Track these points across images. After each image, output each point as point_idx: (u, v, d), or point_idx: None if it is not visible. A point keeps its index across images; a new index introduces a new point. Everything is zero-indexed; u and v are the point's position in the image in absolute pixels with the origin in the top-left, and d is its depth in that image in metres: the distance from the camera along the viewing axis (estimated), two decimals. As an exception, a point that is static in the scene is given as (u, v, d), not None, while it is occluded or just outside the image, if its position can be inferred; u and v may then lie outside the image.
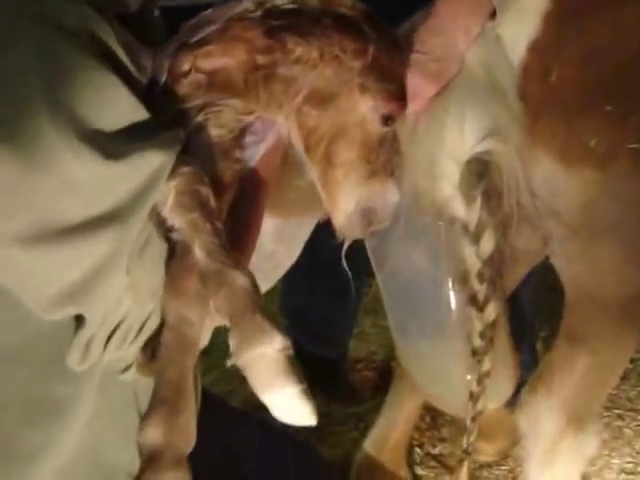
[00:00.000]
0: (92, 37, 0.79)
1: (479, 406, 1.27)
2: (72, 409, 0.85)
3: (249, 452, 1.13)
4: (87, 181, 0.74)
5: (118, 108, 0.78)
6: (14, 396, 0.83)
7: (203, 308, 0.78)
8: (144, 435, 0.73)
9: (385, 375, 1.79)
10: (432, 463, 1.90)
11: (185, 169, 0.79)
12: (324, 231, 1.00)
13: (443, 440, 1.94)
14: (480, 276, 1.18)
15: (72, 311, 0.78)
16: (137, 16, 0.90)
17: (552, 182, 1.16)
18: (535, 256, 1.36)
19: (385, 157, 0.92)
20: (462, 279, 1.20)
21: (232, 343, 0.74)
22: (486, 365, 1.23)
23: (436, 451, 1.92)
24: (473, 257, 1.17)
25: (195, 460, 1.03)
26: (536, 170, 1.16)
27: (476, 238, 1.16)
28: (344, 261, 1.02)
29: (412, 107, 0.97)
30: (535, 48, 1.12)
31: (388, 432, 1.75)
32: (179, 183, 0.79)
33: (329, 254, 0.99)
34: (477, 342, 1.22)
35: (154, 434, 0.73)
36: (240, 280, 0.75)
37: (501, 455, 1.87)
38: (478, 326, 1.20)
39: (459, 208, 1.16)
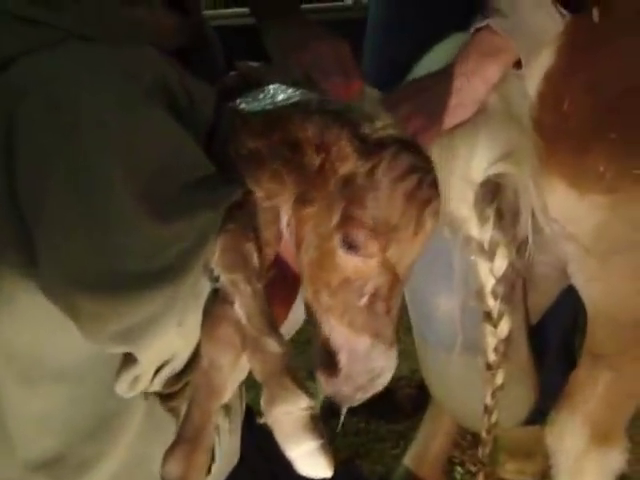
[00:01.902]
0: (163, 89, 0.80)
1: (493, 419, 1.30)
2: (124, 423, 0.92)
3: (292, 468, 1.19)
4: (143, 241, 0.76)
5: (182, 166, 0.79)
6: (82, 412, 0.89)
7: (234, 356, 0.81)
8: (166, 468, 0.80)
9: (427, 392, 1.81)
10: (473, 481, 1.90)
11: (231, 226, 0.79)
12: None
13: (485, 459, 1.95)
14: (494, 293, 1.21)
15: (124, 350, 0.82)
16: (192, 45, 0.93)
17: (566, 206, 1.20)
18: (564, 275, 1.37)
19: (361, 310, 0.83)
20: (478, 296, 1.23)
21: (262, 402, 0.78)
22: (499, 379, 1.26)
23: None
24: (488, 274, 1.20)
25: (240, 468, 1.11)
26: (551, 195, 1.20)
27: (490, 256, 1.19)
28: None
29: (420, 141, 0.95)
30: (549, 78, 1.16)
31: (427, 447, 1.78)
32: (224, 240, 0.79)
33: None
34: (492, 357, 1.25)
35: (174, 468, 0.80)
36: (273, 347, 0.78)
37: (539, 475, 1.84)
38: (492, 341, 1.24)
39: (474, 228, 1.19)
